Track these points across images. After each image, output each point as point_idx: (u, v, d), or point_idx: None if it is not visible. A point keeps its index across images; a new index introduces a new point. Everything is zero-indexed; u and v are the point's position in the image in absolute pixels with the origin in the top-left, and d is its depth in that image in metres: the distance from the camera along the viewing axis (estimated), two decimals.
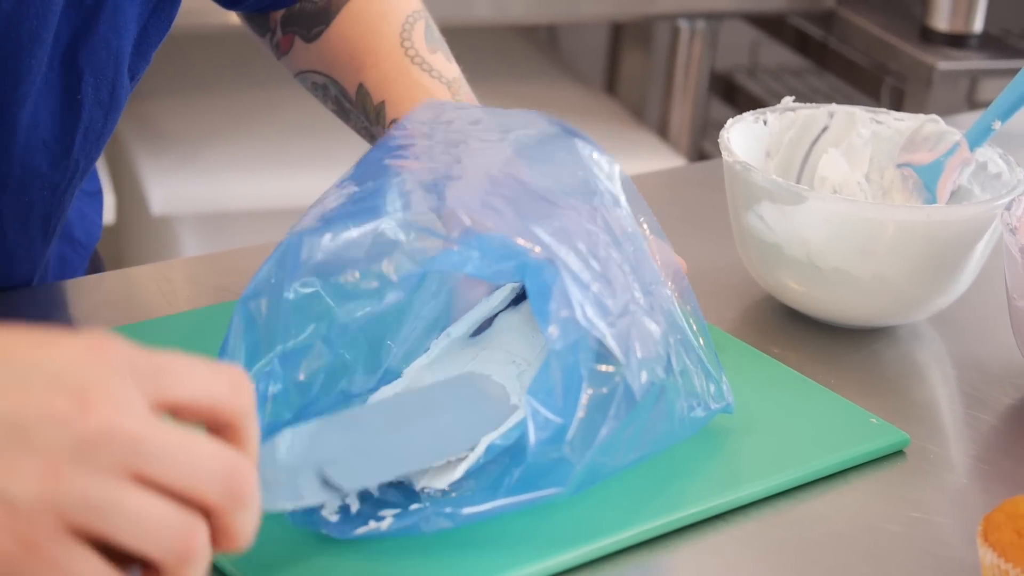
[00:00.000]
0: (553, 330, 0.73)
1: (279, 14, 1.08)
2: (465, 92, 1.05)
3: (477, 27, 2.44)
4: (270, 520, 0.70)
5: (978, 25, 2.12)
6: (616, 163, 0.87)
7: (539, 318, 0.73)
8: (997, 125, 1.01)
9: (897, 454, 0.88)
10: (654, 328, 0.79)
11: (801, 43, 2.42)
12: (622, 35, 2.62)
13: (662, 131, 2.39)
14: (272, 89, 2.22)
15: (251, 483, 0.60)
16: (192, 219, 2.08)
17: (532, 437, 0.73)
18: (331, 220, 0.76)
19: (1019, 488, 0.80)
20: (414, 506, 0.75)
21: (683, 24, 2.31)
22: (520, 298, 0.88)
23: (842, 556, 0.79)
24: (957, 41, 2.12)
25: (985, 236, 0.97)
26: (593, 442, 0.74)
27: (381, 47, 1.06)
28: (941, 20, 2.12)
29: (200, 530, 0.59)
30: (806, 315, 1.02)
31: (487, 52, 2.49)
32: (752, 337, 0.99)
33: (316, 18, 1.08)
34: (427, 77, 1.04)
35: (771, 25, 2.48)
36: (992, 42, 2.16)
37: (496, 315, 0.89)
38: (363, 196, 0.77)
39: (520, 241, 0.74)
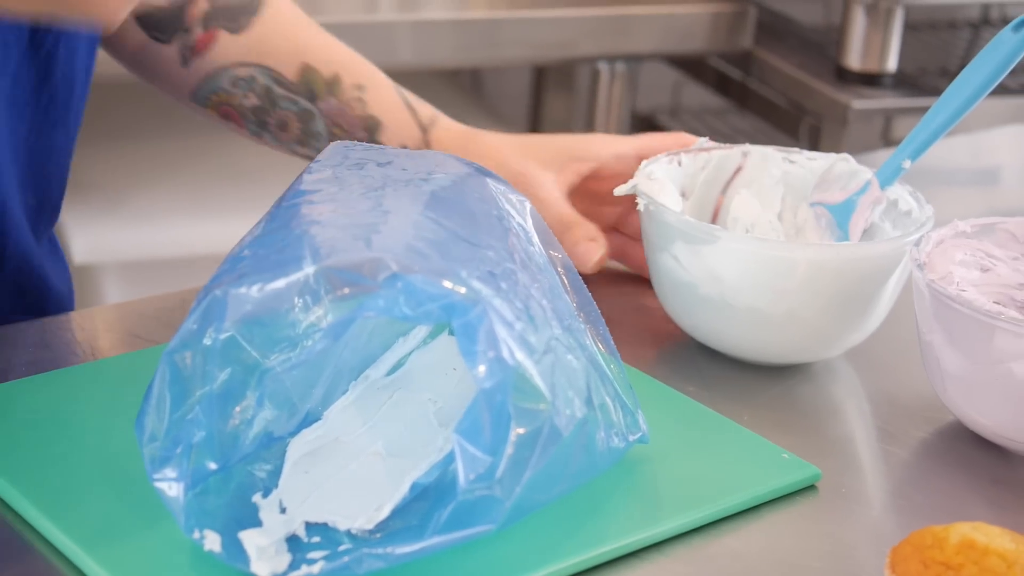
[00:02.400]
0: (481, 369, 0.74)
1: (198, 12, 1.11)
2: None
3: (400, 71, 2.45)
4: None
5: (892, 64, 2.16)
6: (527, 201, 0.88)
7: (467, 358, 0.74)
8: (907, 164, 1.03)
9: (810, 489, 0.89)
10: (575, 363, 0.80)
11: (722, 84, 2.44)
12: (545, 78, 2.64)
13: None
14: (192, 137, 2.22)
15: None
16: (114, 267, 2.07)
17: (462, 476, 0.73)
18: (254, 271, 0.76)
19: (930, 520, 0.81)
20: (343, 547, 0.75)
21: (603, 67, 2.33)
22: (432, 336, 0.89)
23: None
24: (871, 80, 2.15)
25: (896, 272, 0.99)
26: (521, 478, 0.75)
27: (318, 29, 1.13)
28: (855, 60, 2.16)
29: None
30: (722, 353, 1.03)
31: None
32: (669, 376, 1.00)
33: (243, 9, 1.12)
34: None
35: (691, 67, 2.51)
36: (906, 81, 2.19)
37: (410, 354, 0.90)
38: (285, 245, 0.77)
39: (445, 283, 0.75)
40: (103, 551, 0.76)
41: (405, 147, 1.12)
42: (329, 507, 0.79)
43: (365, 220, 0.79)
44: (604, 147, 1.11)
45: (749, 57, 2.30)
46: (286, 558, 0.75)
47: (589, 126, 2.41)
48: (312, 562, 0.74)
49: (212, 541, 0.75)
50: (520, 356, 0.74)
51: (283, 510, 0.79)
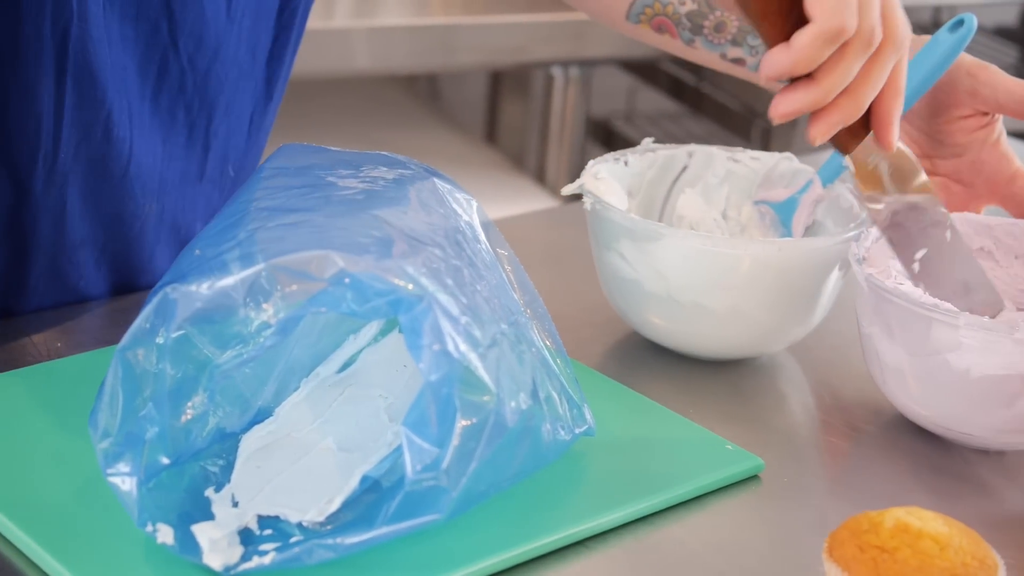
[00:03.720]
0: (427, 363, 0.75)
1: None
2: None
3: (357, 77, 2.47)
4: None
5: None
6: (474, 200, 0.90)
7: (412, 352, 0.76)
8: (848, 162, 1.05)
9: (753, 479, 0.91)
10: (521, 357, 0.81)
11: (675, 89, 2.47)
12: (501, 84, 2.66)
13: (540, 177, 2.43)
14: None
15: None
16: None
17: (409, 467, 0.75)
18: (205, 269, 0.77)
19: (869, 507, 0.83)
20: (294, 538, 0.77)
21: (557, 72, 2.36)
22: (382, 334, 0.91)
23: None
24: None
25: (836, 267, 1.01)
26: (467, 469, 0.77)
27: None
28: None
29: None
30: (668, 349, 1.05)
31: (368, 102, 2.52)
32: (615, 371, 1.02)
33: None
34: None
35: (646, 71, 2.53)
36: None
37: (360, 352, 0.91)
38: (235, 244, 0.79)
39: (391, 279, 0.76)
40: (58, 545, 0.78)
41: None
42: (280, 500, 0.80)
43: (312, 219, 0.81)
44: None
45: None
46: (238, 550, 0.77)
47: (543, 132, 2.43)
48: (264, 553, 0.76)
49: (165, 534, 0.76)
50: (465, 349, 0.76)
51: (235, 504, 0.80)
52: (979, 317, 0.90)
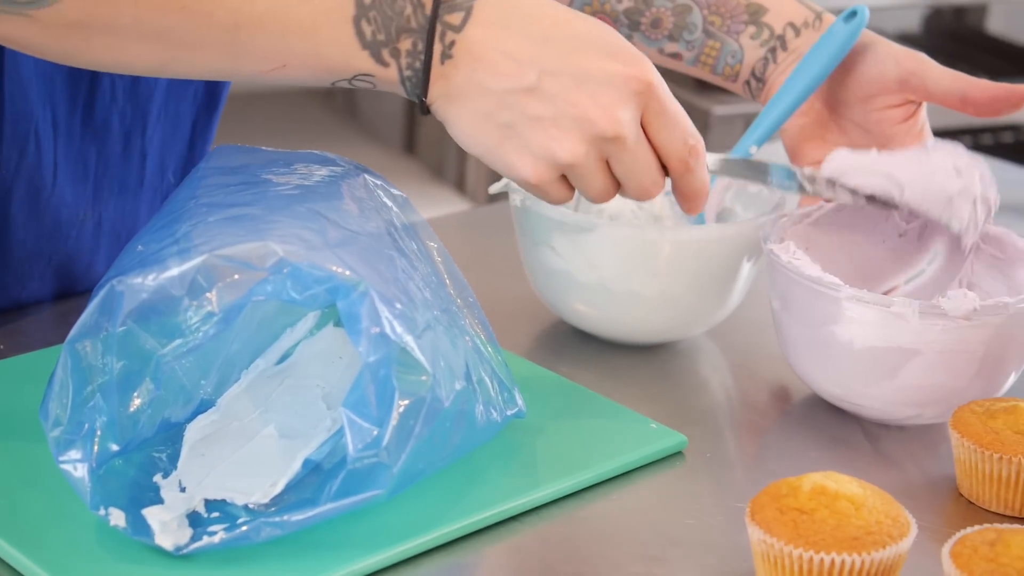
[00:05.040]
0: (365, 345, 0.79)
1: None
2: None
3: (274, 92, 2.49)
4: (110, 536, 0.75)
5: None
6: (403, 195, 0.94)
7: (352, 336, 0.79)
8: (754, 150, 1.09)
9: (677, 456, 0.95)
10: (453, 342, 0.85)
11: None
12: None
13: (460, 186, 2.47)
14: None
15: (703, 158, 0.89)
16: None
17: (351, 446, 0.79)
18: (148, 262, 0.81)
19: (783, 476, 0.87)
20: (240, 519, 0.80)
21: None
22: (317, 327, 0.95)
23: (628, 548, 0.86)
24: None
25: (750, 251, 1.06)
26: (406, 447, 0.80)
27: None
28: None
29: (660, 187, 0.89)
30: (594, 335, 1.10)
31: (285, 117, 2.54)
32: (543, 358, 1.06)
33: None
34: None
35: None
36: None
37: (297, 344, 0.95)
38: (177, 238, 0.82)
39: (329, 267, 0.80)
40: (12, 532, 0.80)
41: (792, 25, 1.11)
42: (226, 485, 0.84)
43: (251, 213, 0.84)
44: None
45: None
46: (188, 532, 0.80)
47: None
48: (212, 534, 0.79)
49: (117, 517, 0.79)
50: (401, 331, 0.80)
51: (183, 489, 0.84)
52: (859, 290, 0.95)
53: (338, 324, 0.96)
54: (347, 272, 0.80)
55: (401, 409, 0.79)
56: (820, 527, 0.79)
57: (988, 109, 1.06)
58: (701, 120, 2.20)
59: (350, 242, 0.83)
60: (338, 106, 2.76)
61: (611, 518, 0.89)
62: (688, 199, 0.91)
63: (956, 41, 2.90)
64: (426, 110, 0.86)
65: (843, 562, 0.78)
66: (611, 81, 0.85)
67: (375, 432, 0.79)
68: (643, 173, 0.88)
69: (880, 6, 2.62)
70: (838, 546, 0.78)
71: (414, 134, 2.72)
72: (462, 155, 2.48)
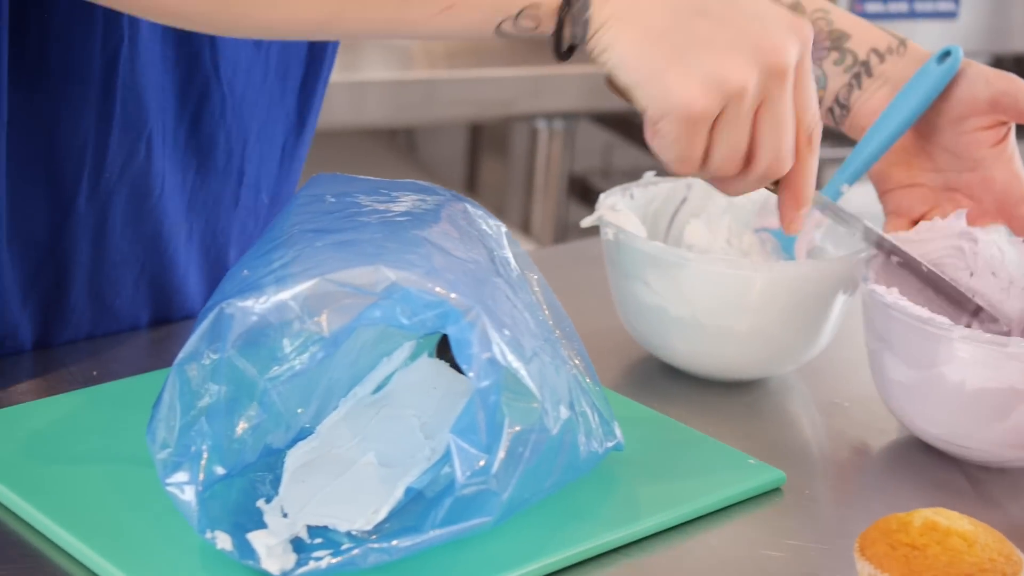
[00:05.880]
0: (476, 371, 0.79)
1: None
2: None
3: (334, 131, 2.50)
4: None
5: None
6: (502, 225, 0.94)
7: (462, 361, 0.79)
8: (845, 188, 1.09)
9: (775, 492, 0.94)
10: (557, 371, 0.85)
11: None
12: (480, 139, 2.70)
13: (524, 227, 2.47)
14: None
15: (818, 145, 0.88)
16: None
17: (459, 472, 0.78)
18: (257, 286, 0.80)
19: (881, 515, 0.86)
20: (345, 546, 0.80)
21: (541, 125, 2.40)
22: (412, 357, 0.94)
23: None
24: None
25: (845, 287, 1.05)
26: (515, 474, 0.80)
27: None
28: None
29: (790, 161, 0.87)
30: (684, 372, 1.09)
31: (346, 156, 2.55)
32: (635, 393, 1.05)
33: None
34: None
35: (623, 127, 2.58)
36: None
37: (394, 374, 0.94)
38: (285, 263, 0.82)
39: (439, 291, 0.79)
40: (116, 554, 0.80)
41: (875, 51, 1.10)
42: (329, 511, 0.83)
43: (357, 238, 0.84)
44: None
45: None
46: (293, 557, 0.79)
47: (527, 186, 2.47)
48: (319, 559, 0.79)
49: (224, 540, 0.79)
50: (511, 358, 0.79)
51: (284, 515, 0.83)
52: (972, 330, 0.94)
53: (432, 355, 0.95)
54: (456, 296, 0.79)
55: (511, 436, 0.79)
56: (933, 563, 0.78)
57: None
58: None
59: (456, 268, 0.83)
60: (399, 145, 2.77)
61: (712, 552, 0.88)
62: (796, 193, 0.90)
63: None
64: (579, 41, 0.83)
65: None
66: (780, 22, 0.84)
67: (484, 459, 0.78)
68: (787, 130, 0.85)
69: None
70: None
71: (475, 175, 2.73)
72: (525, 195, 2.48)
